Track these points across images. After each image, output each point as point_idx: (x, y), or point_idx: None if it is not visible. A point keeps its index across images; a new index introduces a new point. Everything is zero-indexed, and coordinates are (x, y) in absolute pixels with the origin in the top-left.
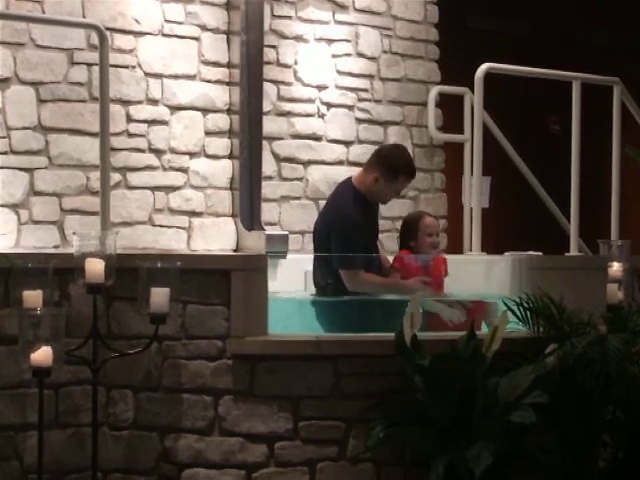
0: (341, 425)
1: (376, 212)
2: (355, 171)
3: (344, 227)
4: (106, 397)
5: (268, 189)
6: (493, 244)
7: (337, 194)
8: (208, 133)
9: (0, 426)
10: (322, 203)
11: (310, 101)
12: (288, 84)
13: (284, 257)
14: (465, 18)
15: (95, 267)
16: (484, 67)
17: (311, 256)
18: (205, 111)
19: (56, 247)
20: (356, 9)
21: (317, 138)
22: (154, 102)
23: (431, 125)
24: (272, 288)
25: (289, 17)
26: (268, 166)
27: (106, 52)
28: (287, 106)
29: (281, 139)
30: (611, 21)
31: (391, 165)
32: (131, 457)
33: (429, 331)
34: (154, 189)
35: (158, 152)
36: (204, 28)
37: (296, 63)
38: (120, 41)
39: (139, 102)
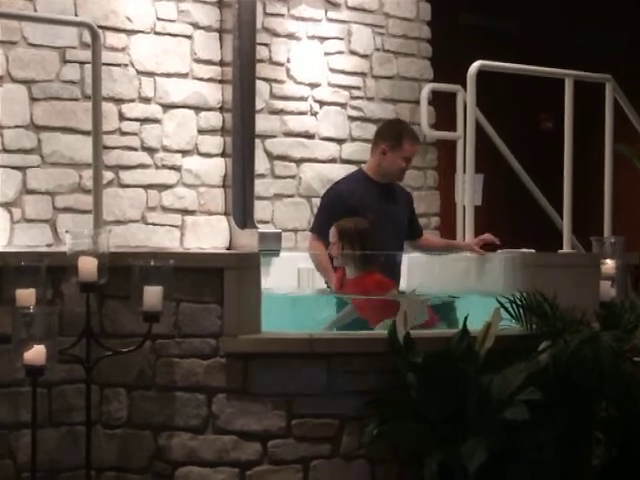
0: (334, 423)
1: (385, 196)
2: (347, 169)
3: (324, 196)
4: (99, 396)
5: (261, 187)
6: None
7: None
8: (201, 131)
9: None
10: (315, 201)
11: (303, 99)
12: (280, 82)
13: (277, 255)
14: (457, 16)
15: (88, 265)
16: (476, 64)
17: (304, 254)
18: (198, 109)
19: (49, 245)
20: (348, 7)
21: (310, 136)
22: (146, 100)
23: (424, 123)
24: (265, 286)
25: (281, 15)
26: (261, 164)
27: (98, 50)
28: (280, 104)
29: (274, 137)
30: (603, 20)
31: (394, 133)
32: (125, 455)
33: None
34: (147, 187)
35: (151, 150)
36: (196, 26)
37: (288, 61)
38: (112, 39)
39: (131, 100)
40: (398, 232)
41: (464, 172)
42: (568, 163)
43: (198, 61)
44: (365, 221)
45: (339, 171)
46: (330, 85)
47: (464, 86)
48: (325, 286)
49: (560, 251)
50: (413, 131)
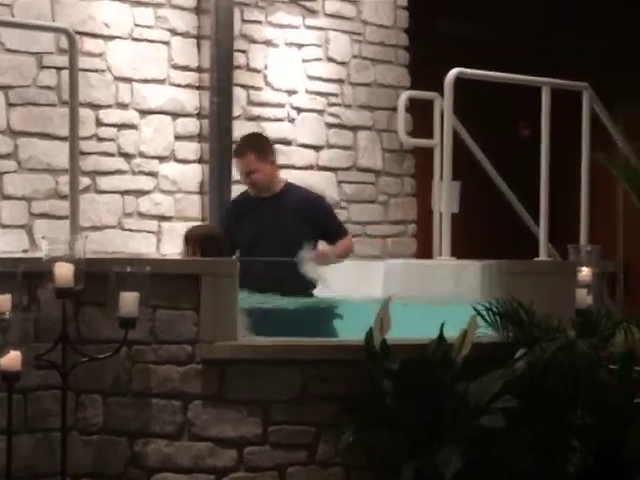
0: (311, 430)
1: (268, 208)
2: (324, 176)
3: None
4: (75, 402)
5: (238, 193)
6: (463, 249)
7: None
8: (178, 137)
9: None
10: None
11: (280, 105)
12: (258, 89)
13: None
14: (435, 23)
15: (64, 271)
16: (454, 72)
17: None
18: (175, 115)
19: (25, 251)
20: (326, 14)
21: (287, 142)
22: (124, 106)
23: (401, 130)
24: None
25: (259, 22)
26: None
27: (75, 56)
28: (257, 110)
29: None
30: (583, 26)
31: None
32: (100, 462)
33: None
34: (123, 193)
35: (127, 156)
36: (174, 32)
37: (266, 68)
38: (89, 45)
39: (108, 106)
40: (284, 243)
41: (441, 179)
42: (545, 171)
43: (175, 67)
44: (213, 227)
45: (316, 178)
46: (307, 92)
47: (441, 93)
48: None
49: (536, 259)
50: (239, 145)
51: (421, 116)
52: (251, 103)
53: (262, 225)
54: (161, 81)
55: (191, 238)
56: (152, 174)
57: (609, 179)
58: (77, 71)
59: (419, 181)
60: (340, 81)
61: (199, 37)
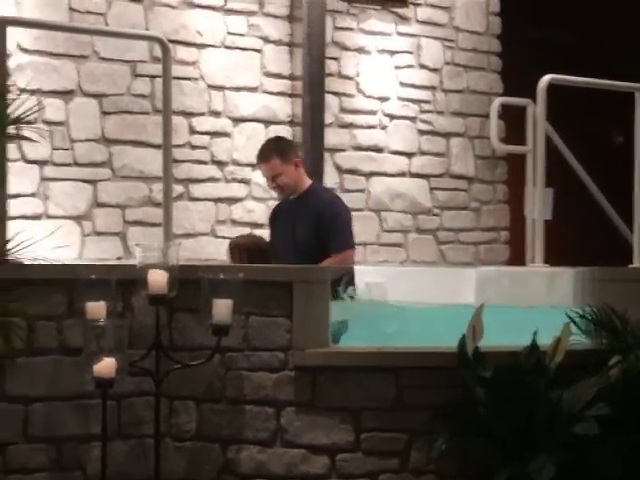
0: (403, 437)
1: (293, 211)
2: (417, 183)
3: None
4: (169, 408)
5: None
6: (555, 256)
7: None
8: None
9: (64, 437)
10: (384, 214)
11: (372, 113)
12: (350, 96)
13: None
14: (527, 29)
15: (157, 278)
16: (546, 78)
17: (373, 267)
18: (267, 123)
19: (119, 258)
20: (418, 20)
21: (379, 150)
22: (216, 114)
23: (493, 136)
24: None
25: (351, 29)
26: (330, 178)
27: (169, 64)
28: (349, 118)
29: (343, 151)
30: None
31: None
32: (193, 468)
33: None
34: (216, 201)
35: (220, 164)
36: (266, 40)
37: (358, 75)
38: (182, 53)
39: (201, 114)
40: (296, 248)
41: (534, 186)
42: (638, 177)
43: (268, 75)
44: (259, 238)
45: (408, 185)
46: (400, 99)
47: (534, 100)
48: None
49: (630, 266)
50: (262, 150)
51: (514, 122)
52: (343, 110)
53: (286, 227)
54: (254, 89)
55: (237, 249)
56: (245, 181)
57: None
58: (170, 79)
59: (511, 188)
60: (432, 88)
61: (291, 45)
